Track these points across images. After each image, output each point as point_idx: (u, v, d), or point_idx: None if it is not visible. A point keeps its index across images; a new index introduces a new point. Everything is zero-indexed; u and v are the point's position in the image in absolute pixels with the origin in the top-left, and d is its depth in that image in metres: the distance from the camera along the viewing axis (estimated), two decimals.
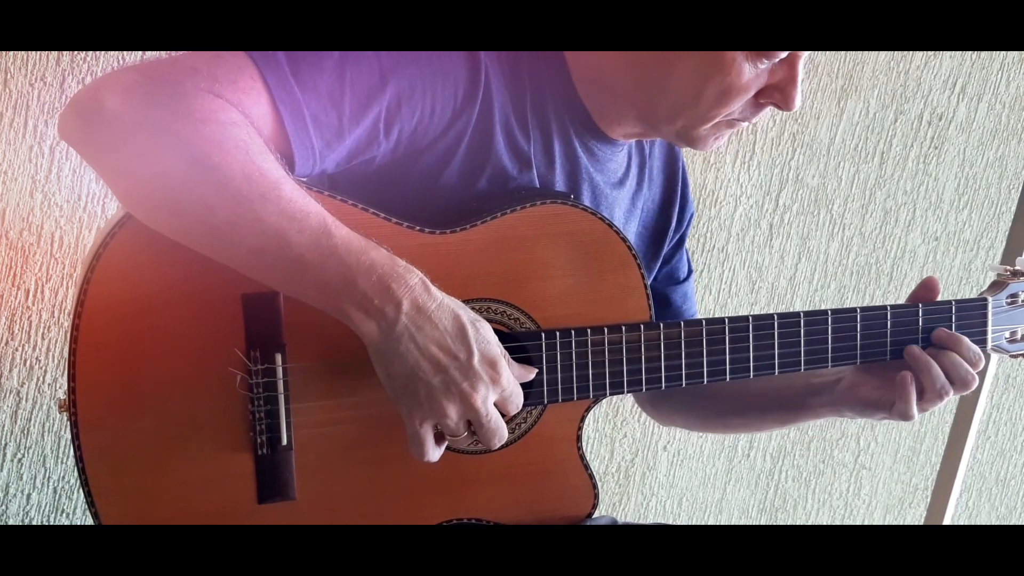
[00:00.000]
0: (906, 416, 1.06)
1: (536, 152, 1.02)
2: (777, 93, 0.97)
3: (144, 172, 0.81)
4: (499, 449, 1.00)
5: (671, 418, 1.31)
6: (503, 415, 0.90)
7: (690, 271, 1.28)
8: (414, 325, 0.84)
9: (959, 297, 1.12)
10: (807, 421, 1.19)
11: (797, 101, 0.97)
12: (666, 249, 1.23)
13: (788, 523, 2.30)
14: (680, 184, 1.22)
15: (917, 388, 1.07)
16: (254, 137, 0.82)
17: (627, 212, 1.16)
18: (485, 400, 0.87)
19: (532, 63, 1.01)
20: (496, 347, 0.88)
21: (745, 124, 1.03)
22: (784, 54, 0.94)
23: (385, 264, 0.84)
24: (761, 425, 1.25)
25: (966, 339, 1.09)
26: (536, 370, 0.96)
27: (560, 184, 1.05)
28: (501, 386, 0.88)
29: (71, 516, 1.50)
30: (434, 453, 0.90)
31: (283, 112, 0.84)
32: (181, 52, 0.85)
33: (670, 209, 1.21)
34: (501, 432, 0.90)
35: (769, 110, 1.01)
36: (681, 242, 1.26)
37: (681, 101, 0.97)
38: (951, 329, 1.11)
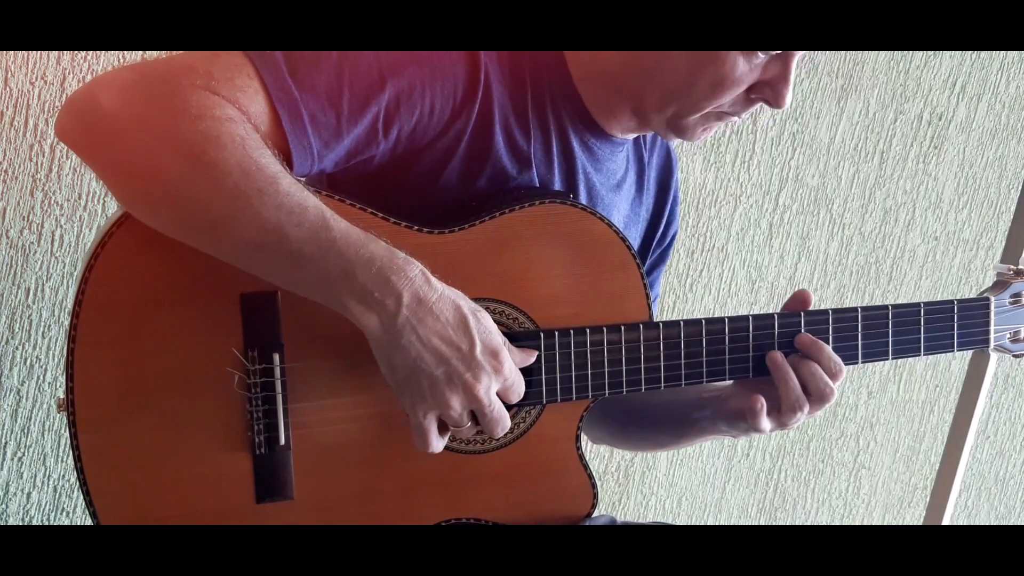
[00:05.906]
0: (757, 431, 1.02)
1: (536, 151, 1.02)
2: (768, 90, 0.97)
3: (141, 169, 0.81)
4: (498, 448, 1.00)
5: (590, 431, 1.26)
6: (505, 404, 0.90)
7: (656, 296, 1.25)
8: (415, 317, 0.84)
9: (959, 297, 1.12)
10: (698, 438, 1.14)
11: (787, 100, 0.97)
12: (648, 261, 1.22)
13: (787, 522, 2.30)
14: (671, 198, 1.22)
15: (774, 400, 1.02)
16: (251, 133, 0.82)
17: (627, 219, 1.16)
18: (488, 390, 0.87)
19: (533, 59, 1.01)
20: (497, 336, 0.88)
21: (735, 120, 1.02)
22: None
23: (384, 256, 0.83)
24: (657, 439, 1.19)
25: (828, 348, 1.02)
26: (536, 352, 0.96)
27: (558, 183, 1.05)
28: (503, 375, 0.88)
29: (71, 515, 1.50)
30: (438, 444, 0.90)
31: (280, 111, 0.84)
32: (178, 52, 0.85)
33: (658, 221, 1.21)
34: (504, 421, 0.90)
35: (762, 107, 1.01)
36: (662, 259, 1.25)
37: (675, 88, 0.98)
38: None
